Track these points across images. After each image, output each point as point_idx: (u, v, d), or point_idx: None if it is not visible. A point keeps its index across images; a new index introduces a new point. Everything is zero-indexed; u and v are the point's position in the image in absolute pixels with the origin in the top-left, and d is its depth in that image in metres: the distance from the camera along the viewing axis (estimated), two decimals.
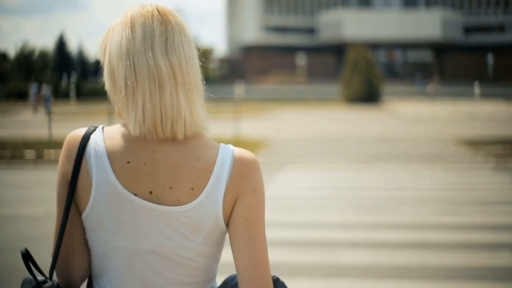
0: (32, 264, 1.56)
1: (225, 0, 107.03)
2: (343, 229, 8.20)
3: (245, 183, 1.52)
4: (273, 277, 1.61)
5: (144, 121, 1.49)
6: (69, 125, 25.69)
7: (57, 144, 16.96)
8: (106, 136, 1.56)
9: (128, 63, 1.50)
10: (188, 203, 1.51)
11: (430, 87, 61.73)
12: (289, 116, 37.03)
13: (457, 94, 61.15)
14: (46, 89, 39.18)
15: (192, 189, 1.51)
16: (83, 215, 1.55)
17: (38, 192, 11.24)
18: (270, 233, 7.54)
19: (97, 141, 1.54)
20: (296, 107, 47.84)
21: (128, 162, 1.52)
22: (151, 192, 1.51)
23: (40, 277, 1.56)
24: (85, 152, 1.54)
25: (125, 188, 1.51)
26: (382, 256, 6.86)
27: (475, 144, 18.75)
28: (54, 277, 1.61)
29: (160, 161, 1.52)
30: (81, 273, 1.63)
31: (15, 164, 15.35)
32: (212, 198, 1.51)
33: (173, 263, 1.55)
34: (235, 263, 1.56)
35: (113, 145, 1.54)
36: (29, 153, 16.20)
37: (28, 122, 30.54)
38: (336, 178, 13.02)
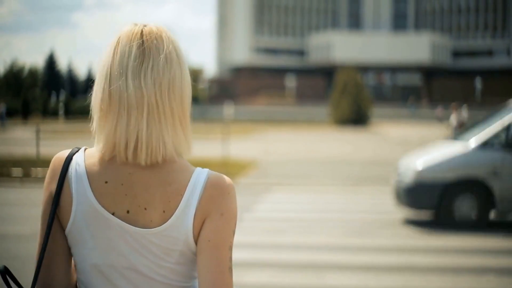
0: (12, 281, 1.56)
1: (215, 21, 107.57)
2: (331, 251, 8.20)
3: (214, 207, 1.56)
4: None
5: (108, 145, 1.54)
6: (57, 144, 25.57)
7: (44, 162, 16.84)
8: (87, 157, 1.60)
9: (105, 86, 1.54)
10: (160, 225, 1.55)
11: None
12: (278, 137, 37.08)
13: (445, 117, 61.43)
14: (2, 107, 42.49)
15: (164, 211, 1.55)
16: (66, 231, 1.59)
17: (23, 211, 11.16)
18: (256, 255, 7.48)
19: (78, 162, 1.59)
20: (285, 129, 47.92)
21: (106, 182, 1.56)
22: (128, 212, 1.55)
23: None
24: (68, 172, 1.59)
25: (103, 207, 1.55)
26: (368, 279, 6.86)
27: None
28: None
29: (137, 182, 1.55)
30: None
31: (1, 182, 15.26)
32: (181, 221, 1.55)
33: (151, 280, 1.58)
34: (198, 283, 1.57)
35: (93, 165, 1.58)
36: (16, 171, 16.11)
37: (16, 139, 30.37)
38: (324, 200, 13.03)
